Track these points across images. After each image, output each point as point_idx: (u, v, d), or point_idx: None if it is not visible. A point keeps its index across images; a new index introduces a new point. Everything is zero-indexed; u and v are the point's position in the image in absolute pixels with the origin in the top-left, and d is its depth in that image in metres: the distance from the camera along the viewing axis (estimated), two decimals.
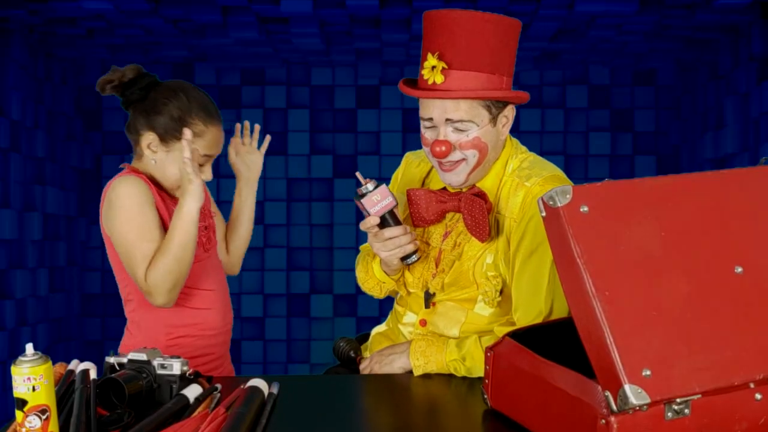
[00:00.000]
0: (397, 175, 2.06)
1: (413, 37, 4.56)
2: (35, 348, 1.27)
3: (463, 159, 1.76)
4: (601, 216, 1.16)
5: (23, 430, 1.24)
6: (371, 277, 1.97)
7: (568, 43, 4.73)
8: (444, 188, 1.88)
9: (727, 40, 4.60)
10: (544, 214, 1.18)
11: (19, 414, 1.25)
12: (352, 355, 1.98)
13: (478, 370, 1.74)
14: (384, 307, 5.15)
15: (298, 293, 5.42)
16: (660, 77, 5.52)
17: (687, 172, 1.32)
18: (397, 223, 1.75)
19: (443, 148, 1.73)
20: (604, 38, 4.64)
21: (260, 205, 5.45)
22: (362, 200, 1.72)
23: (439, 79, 1.71)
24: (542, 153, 5.87)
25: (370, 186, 1.72)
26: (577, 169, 5.47)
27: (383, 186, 1.72)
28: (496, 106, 1.76)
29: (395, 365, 1.83)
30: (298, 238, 5.46)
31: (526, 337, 1.43)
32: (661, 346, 1.11)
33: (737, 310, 1.18)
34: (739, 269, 1.20)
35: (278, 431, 1.39)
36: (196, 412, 1.42)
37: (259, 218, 5.45)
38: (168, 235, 1.87)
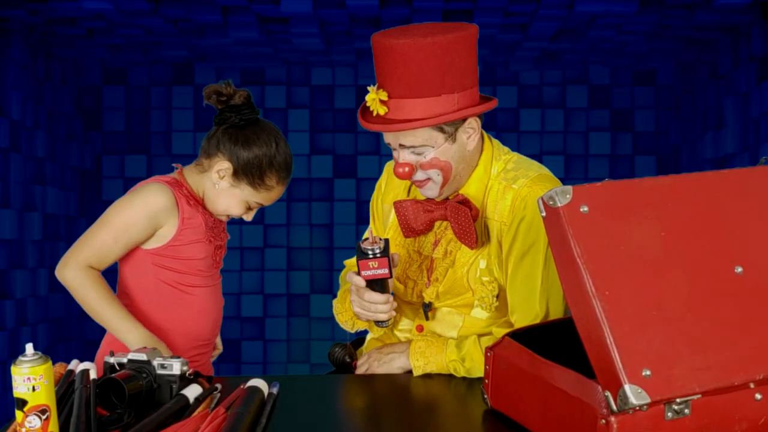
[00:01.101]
0: (381, 185, 2.04)
1: None
2: (35, 348, 1.27)
3: (428, 179, 1.77)
4: (601, 216, 1.16)
5: (23, 430, 1.24)
6: (347, 310, 1.95)
7: (568, 43, 4.73)
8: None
9: (727, 40, 4.60)
10: (544, 214, 1.18)
11: (19, 414, 1.25)
12: (348, 360, 1.97)
13: (478, 371, 1.74)
14: None
15: (298, 293, 5.42)
16: (660, 77, 5.52)
17: (687, 172, 1.32)
18: (383, 291, 1.74)
19: (406, 170, 1.75)
20: (604, 38, 4.64)
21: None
22: (359, 260, 1.70)
23: (381, 110, 1.71)
24: (542, 153, 5.83)
25: (377, 249, 1.68)
26: (577, 169, 5.47)
27: (386, 258, 1.69)
28: (450, 125, 1.73)
29: (394, 365, 1.83)
30: (298, 238, 5.46)
31: (526, 337, 1.43)
32: (661, 346, 1.11)
33: (737, 310, 1.18)
34: (739, 269, 1.20)
35: (278, 431, 1.39)
36: (196, 412, 1.42)
37: (259, 218, 5.45)
38: (106, 302, 1.88)
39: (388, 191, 2.01)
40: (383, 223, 2.02)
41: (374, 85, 1.76)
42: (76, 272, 1.87)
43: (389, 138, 1.76)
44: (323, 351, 2.11)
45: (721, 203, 1.25)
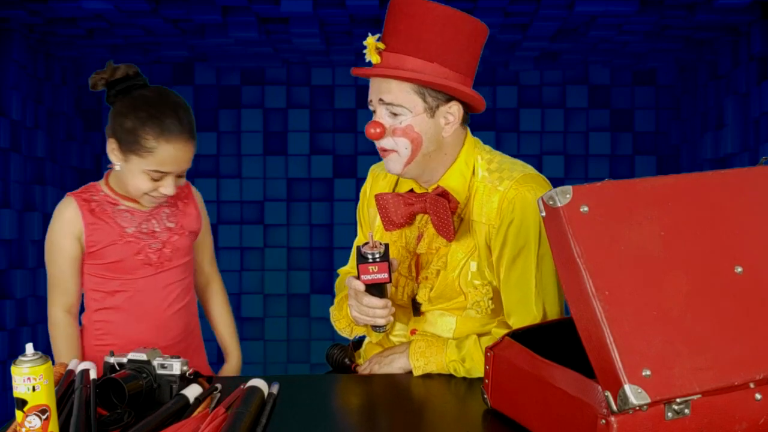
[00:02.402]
0: (365, 190, 2.03)
1: None
2: (35, 348, 1.27)
3: (394, 149, 1.74)
4: (601, 216, 1.16)
5: (23, 430, 1.24)
6: (344, 317, 1.95)
7: (568, 43, 4.73)
8: (411, 190, 1.86)
9: (727, 40, 4.60)
10: (543, 214, 1.18)
11: (19, 414, 1.25)
12: (347, 362, 1.96)
13: (478, 371, 1.74)
14: None
15: (298, 293, 5.42)
16: (660, 77, 5.52)
17: (687, 172, 1.32)
18: (382, 296, 1.74)
19: (377, 130, 1.72)
20: (604, 38, 4.64)
21: (260, 205, 5.46)
22: (359, 264, 1.68)
23: (375, 59, 1.71)
24: (542, 153, 5.83)
25: (377, 254, 1.67)
26: (577, 169, 5.47)
27: (386, 263, 1.67)
28: (433, 96, 1.72)
29: (395, 365, 1.83)
30: (298, 238, 5.46)
31: (526, 337, 1.43)
32: (661, 346, 1.11)
33: (737, 310, 1.18)
34: (739, 269, 1.20)
35: (278, 431, 1.39)
36: (196, 412, 1.42)
37: (259, 218, 5.46)
38: (63, 345, 2.00)
39: (372, 195, 2.00)
40: (371, 227, 2.00)
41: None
42: (52, 320, 2.02)
43: (374, 92, 1.74)
44: (323, 351, 2.11)
45: (721, 203, 1.25)
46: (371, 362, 1.88)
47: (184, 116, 1.91)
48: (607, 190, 1.19)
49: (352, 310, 1.78)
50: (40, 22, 4.20)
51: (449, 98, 1.73)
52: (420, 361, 1.79)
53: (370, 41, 1.71)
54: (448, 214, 1.74)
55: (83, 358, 2.02)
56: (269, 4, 4.04)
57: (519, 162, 1.86)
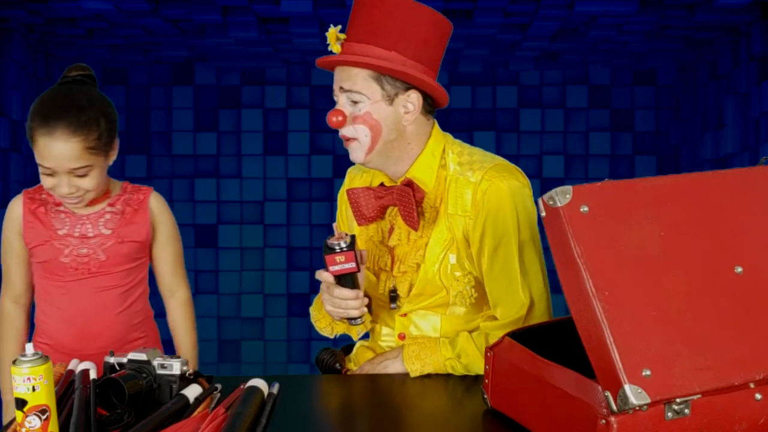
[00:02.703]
0: (343, 193, 2.04)
1: None
2: (35, 348, 1.27)
3: (355, 138, 1.78)
4: (601, 216, 1.16)
5: (23, 430, 1.24)
6: (324, 316, 1.96)
7: (568, 43, 4.73)
8: (381, 184, 1.88)
9: (727, 40, 4.60)
10: (543, 214, 1.18)
11: (19, 414, 1.25)
12: (338, 367, 1.97)
13: (475, 366, 1.75)
14: None
15: (298, 293, 5.42)
16: (660, 77, 5.52)
17: (687, 172, 1.32)
18: (354, 286, 1.74)
19: (339, 118, 1.76)
20: (604, 38, 4.64)
21: (260, 205, 5.46)
22: (326, 256, 1.69)
23: (336, 49, 1.75)
24: (542, 153, 5.83)
25: (342, 244, 1.68)
26: (577, 169, 5.47)
27: (352, 252, 1.68)
28: (391, 84, 1.74)
29: (389, 371, 1.82)
30: (298, 238, 5.46)
31: (526, 337, 1.43)
32: (661, 346, 1.11)
33: (737, 310, 1.18)
34: (739, 269, 1.20)
35: (278, 431, 1.39)
36: (196, 412, 1.42)
37: (259, 218, 5.46)
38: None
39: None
40: (349, 230, 2.00)
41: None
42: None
43: (335, 81, 1.78)
44: (321, 350, 2.10)
45: (721, 203, 1.25)
46: (363, 370, 1.87)
47: (75, 114, 1.85)
48: (607, 190, 1.19)
49: (325, 304, 1.79)
50: (40, 22, 4.20)
51: (408, 87, 1.76)
52: (416, 365, 1.78)
53: (332, 31, 1.76)
54: (411, 202, 1.77)
55: None
56: (269, 4, 4.04)
57: (489, 153, 1.87)
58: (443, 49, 1.80)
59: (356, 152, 1.80)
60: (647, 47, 4.90)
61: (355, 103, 1.75)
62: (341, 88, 1.76)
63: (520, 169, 1.84)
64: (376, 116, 1.75)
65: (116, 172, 5.48)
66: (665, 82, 5.52)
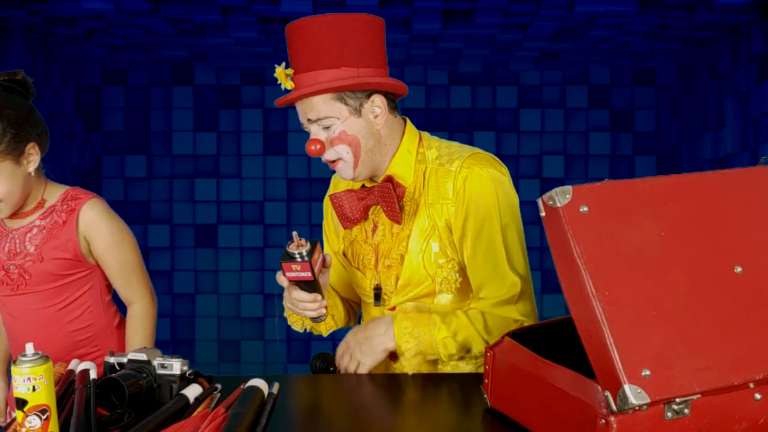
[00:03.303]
0: (328, 199, 2.06)
1: (413, 37, 4.56)
2: (35, 348, 1.27)
3: (339, 158, 1.82)
4: (601, 216, 1.16)
5: (23, 430, 1.25)
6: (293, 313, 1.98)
7: (568, 43, 4.73)
8: (363, 186, 1.91)
9: (727, 40, 4.60)
10: (543, 214, 1.18)
11: (19, 414, 1.25)
12: (331, 370, 1.97)
13: (475, 341, 1.77)
14: None
15: None
16: (660, 77, 5.52)
17: (687, 172, 1.32)
18: (311, 291, 1.76)
19: (317, 147, 1.79)
20: (604, 38, 4.64)
21: (260, 205, 5.46)
22: (282, 263, 1.72)
23: (289, 85, 1.80)
24: (542, 153, 5.83)
25: (303, 252, 1.70)
26: (577, 169, 5.47)
27: (308, 262, 1.69)
28: (352, 98, 1.78)
29: (378, 350, 1.81)
30: None
31: (526, 337, 1.43)
32: (661, 346, 1.11)
33: (737, 310, 1.18)
34: (739, 269, 1.20)
35: (278, 431, 1.39)
36: (196, 412, 1.42)
37: (259, 218, 5.46)
38: None
39: None
40: (336, 234, 2.03)
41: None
42: None
43: (301, 115, 1.82)
44: (323, 351, 2.11)
45: (721, 203, 1.25)
46: (348, 344, 1.85)
47: None
48: (607, 190, 1.19)
49: (285, 302, 1.84)
50: (40, 22, 4.20)
51: (369, 93, 1.80)
52: (410, 343, 1.78)
53: (279, 71, 1.80)
54: (392, 197, 1.81)
55: None
56: (269, 4, 4.04)
57: (466, 145, 1.92)
58: (384, 44, 1.85)
59: (344, 171, 1.84)
60: (647, 47, 4.90)
61: (327, 127, 1.80)
62: (309, 119, 1.80)
63: (497, 159, 1.89)
64: (351, 132, 1.79)
65: (116, 171, 5.49)
66: (665, 82, 5.52)
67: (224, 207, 5.48)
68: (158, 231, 5.46)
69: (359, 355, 1.83)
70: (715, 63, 4.86)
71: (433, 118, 5.33)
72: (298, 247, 1.70)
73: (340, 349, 1.88)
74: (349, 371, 1.82)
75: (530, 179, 5.34)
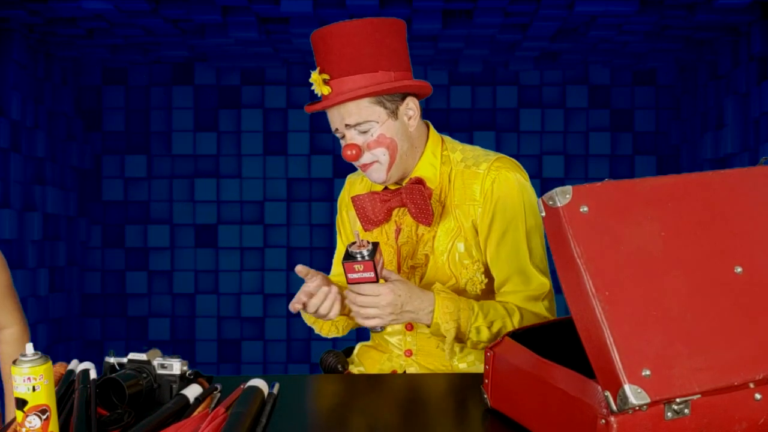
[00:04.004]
0: (343, 197, 2.09)
1: (413, 37, 4.56)
2: (35, 348, 1.27)
3: (375, 160, 1.81)
4: (601, 216, 1.16)
5: (23, 430, 1.24)
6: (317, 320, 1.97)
7: (568, 43, 4.73)
8: (386, 188, 1.91)
9: (727, 40, 4.60)
10: (543, 214, 1.18)
11: (19, 414, 1.25)
12: (340, 369, 1.97)
13: (506, 327, 1.77)
14: None
15: None
16: (660, 77, 5.52)
17: (687, 172, 1.32)
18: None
19: (353, 152, 1.79)
20: (604, 38, 4.64)
21: (260, 205, 5.46)
22: (344, 263, 1.66)
23: (325, 90, 1.80)
24: (542, 153, 5.83)
25: (364, 252, 1.65)
26: (577, 169, 5.47)
27: (372, 261, 1.65)
28: (390, 100, 1.79)
29: (406, 320, 1.75)
30: (298, 238, 5.46)
31: (526, 337, 1.43)
32: (661, 346, 1.11)
33: (737, 310, 1.18)
34: (739, 269, 1.20)
35: (278, 431, 1.39)
36: (196, 412, 1.42)
37: (259, 218, 5.46)
38: None
39: (350, 200, 2.03)
40: (352, 231, 2.03)
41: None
42: None
43: (336, 121, 1.81)
44: (323, 351, 2.11)
45: (721, 203, 1.25)
46: (392, 305, 1.70)
47: None
48: (607, 190, 1.19)
49: (353, 306, 1.73)
50: (40, 22, 4.20)
51: (403, 96, 1.82)
52: (450, 324, 1.74)
53: (316, 76, 1.81)
54: (425, 199, 1.81)
55: None
56: (269, 4, 4.04)
57: (489, 150, 1.94)
58: (407, 46, 1.86)
59: (377, 173, 1.83)
60: (647, 47, 4.90)
61: (365, 131, 1.79)
62: (347, 125, 1.79)
63: (520, 165, 1.91)
64: (390, 134, 1.80)
65: (116, 171, 5.49)
66: (665, 82, 5.52)
67: (224, 207, 5.48)
68: (158, 231, 5.47)
69: (388, 318, 1.72)
70: (715, 63, 4.86)
71: (434, 118, 5.31)
72: (360, 247, 1.66)
73: (383, 300, 1.70)
74: (366, 324, 1.73)
75: (530, 179, 5.32)
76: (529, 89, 5.47)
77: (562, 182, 5.32)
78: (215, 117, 5.45)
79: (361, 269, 1.66)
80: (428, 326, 1.77)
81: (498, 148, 5.30)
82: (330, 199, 5.40)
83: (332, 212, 5.40)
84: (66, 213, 5.10)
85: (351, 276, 1.68)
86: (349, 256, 1.67)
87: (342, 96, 1.76)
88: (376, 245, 1.68)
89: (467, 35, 4.56)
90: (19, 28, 4.29)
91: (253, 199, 5.46)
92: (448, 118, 5.42)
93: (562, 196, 1.16)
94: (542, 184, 5.28)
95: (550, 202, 1.16)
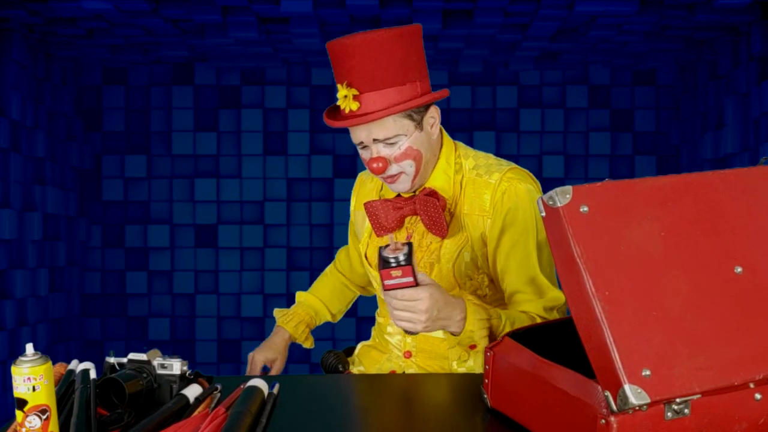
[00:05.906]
0: (356, 191, 2.10)
1: None
2: (35, 348, 1.27)
3: (401, 172, 1.79)
4: (601, 216, 1.16)
5: (23, 430, 1.24)
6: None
7: (568, 43, 4.73)
8: (399, 195, 1.89)
9: (727, 40, 4.60)
10: (543, 214, 1.18)
11: (19, 414, 1.25)
12: (341, 369, 1.96)
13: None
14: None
15: None
16: (660, 77, 5.52)
17: (687, 172, 1.32)
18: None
19: (380, 165, 1.76)
20: (604, 38, 4.64)
21: (260, 205, 5.45)
22: (381, 270, 1.55)
23: (354, 106, 1.73)
24: (542, 153, 5.83)
25: (401, 257, 1.53)
26: (577, 169, 5.47)
27: (410, 266, 1.53)
28: (417, 112, 1.77)
29: (438, 328, 1.67)
30: (298, 238, 5.46)
31: (526, 337, 1.43)
32: (661, 346, 1.11)
33: (737, 310, 1.18)
34: (739, 269, 1.20)
35: (278, 431, 1.39)
36: (196, 412, 1.42)
37: (259, 218, 5.46)
38: None
39: (361, 200, 2.06)
40: (359, 234, 2.04)
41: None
42: None
43: (362, 135, 1.77)
44: (323, 351, 2.11)
45: (721, 203, 1.25)
46: (428, 312, 1.59)
47: None
48: (607, 190, 1.19)
49: (392, 311, 1.63)
50: (40, 22, 4.20)
51: (427, 105, 1.80)
52: (483, 332, 1.69)
53: (344, 90, 1.73)
54: (439, 212, 1.78)
55: None
56: (269, 4, 4.04)
57: (503, 159, 1.92)
58: (424, 52, 1.84)
59: (402, 184, 1.82)
60: (647, 47, 4.90)
61: (392, 143, 1.76)
62: (375, 139, 1.75)
63: (533, 175, 1.90)
64: (416, 146, 1.78)
65: (116, 171, 5.49)
66: (665, 82, 5.52)
67: (224, 207, 5.47)
68: (158, 231, 5.46)
69: (421, 326, 1.63)
70: (715, 63, 4.86)
71: None
72: (395, 251, 1.54)
73: (421, 305, 1.60)
74: (399, 326, 1.64)
75: None
76: (529, 89, 5.47)
77: (562, 182, 5.32)
78: (215, 117, 5.45)
79: (399, 275, 1.55)
80: (454, 334, 1.69)
81: (498, 148, 5.30)
82: (330, 199, 5.40)
83: (332, 212, 5.40)
84: (66, 213, 5.10)
85: (388, 282, 1.56)
86: (385, 262, 1.54)
87: (378, 114, 1.71)
88: (410, 246, 1.56)
89: (467, 35, 4.56)
90: (19, 28, 4.29)
91: (253, 199, 5.46)
92: (448, 118, 5.42)
93: (562, 196, 1.16)
94: (542, 184, 5.27)
95: (550, 202, 1.16)
